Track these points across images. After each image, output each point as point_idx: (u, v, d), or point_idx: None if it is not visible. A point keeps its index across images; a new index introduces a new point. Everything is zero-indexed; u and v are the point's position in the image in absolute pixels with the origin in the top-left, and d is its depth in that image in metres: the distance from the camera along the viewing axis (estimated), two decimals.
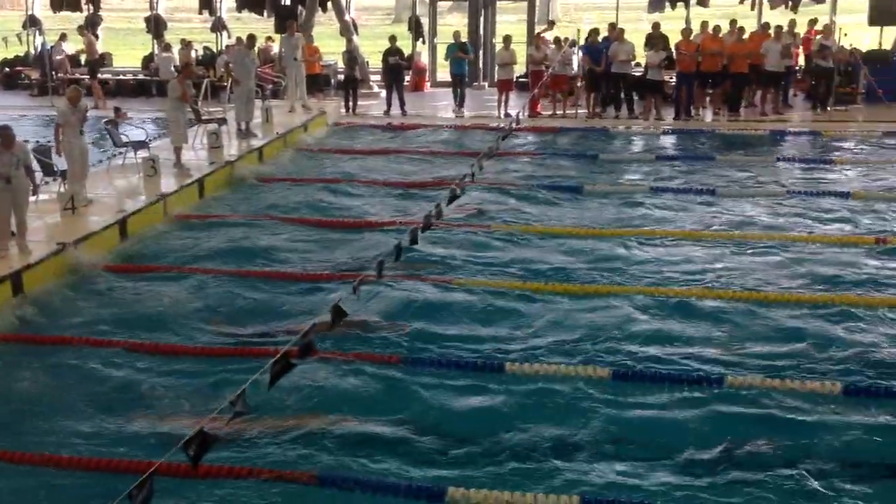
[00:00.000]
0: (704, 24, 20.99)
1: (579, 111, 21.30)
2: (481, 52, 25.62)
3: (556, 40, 21.43)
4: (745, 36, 20.56)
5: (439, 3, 27.25)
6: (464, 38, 22.84)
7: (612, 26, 21.90)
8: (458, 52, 21.72)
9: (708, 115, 20.99)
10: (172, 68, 22.11)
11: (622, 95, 21.17)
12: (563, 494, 6.24)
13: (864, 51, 22.20)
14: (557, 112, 21.32)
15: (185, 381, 8.12)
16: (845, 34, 21.90)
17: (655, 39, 20.82)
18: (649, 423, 7.30)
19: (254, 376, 5.95)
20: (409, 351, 8.60)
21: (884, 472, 6.58)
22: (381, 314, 9.37)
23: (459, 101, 21.68)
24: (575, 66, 21.43)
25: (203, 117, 17.34)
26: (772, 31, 20.57)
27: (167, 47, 24.41)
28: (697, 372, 8.07)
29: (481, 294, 9.92)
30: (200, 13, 28.04)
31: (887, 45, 22.77)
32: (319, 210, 13.68)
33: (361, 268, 10.16)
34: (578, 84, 21.78)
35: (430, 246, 11.26)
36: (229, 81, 19.20)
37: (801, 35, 22.11)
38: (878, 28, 22.72)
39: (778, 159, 16.77)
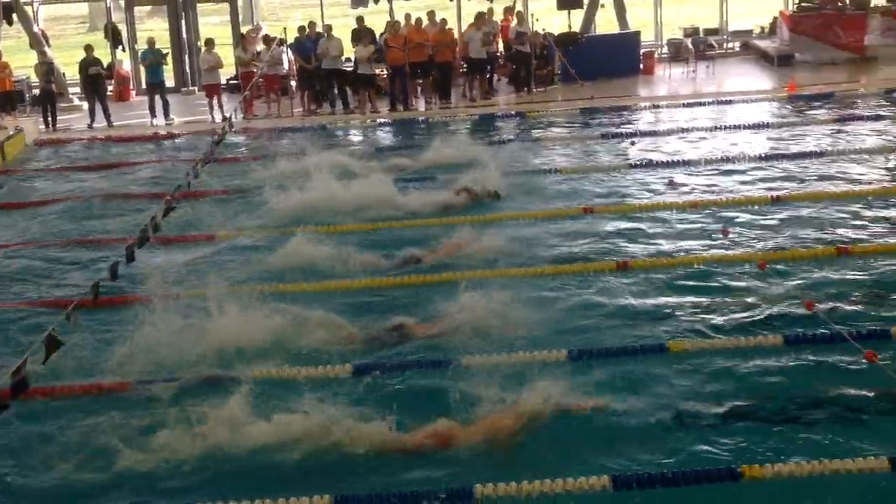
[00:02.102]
0: (408, 17, 21.50)
1: (295, 110, 21.19)
2: (187, 57, 24.85)
3: (266, 39, 21.18)
4: (448, 27, 21.26)
5: (136, 8, 26.13)
6: (165, 44, 22.07)
7: (312, 24, 21.94)
8: (157, 57, 20.95)
9: (421, 105, 21.50)
10: None
11: (336, 91, 21.27)
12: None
13: (556, 34, 23.59)
14: (272, 112, 21.10)
15: None
16: (537, 19, 23.17)
17: (362, 34, 21.07)
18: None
19: None
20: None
21: (626, 421, 7.01)
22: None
23: (164, 110, 20.88)
24: (286, 64, 21.32)
25: None
26: (472, 20, 21.40)
27: None
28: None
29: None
30: None
31: (576, 28, 24.33)
32: (21, 233, 12.74)
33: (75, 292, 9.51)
34: (292, 83, 21.67)
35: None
36: None
37: (500, 22, 23.17)
38: (567, 11, 24.21)
39: (490, 142, 17.42)
